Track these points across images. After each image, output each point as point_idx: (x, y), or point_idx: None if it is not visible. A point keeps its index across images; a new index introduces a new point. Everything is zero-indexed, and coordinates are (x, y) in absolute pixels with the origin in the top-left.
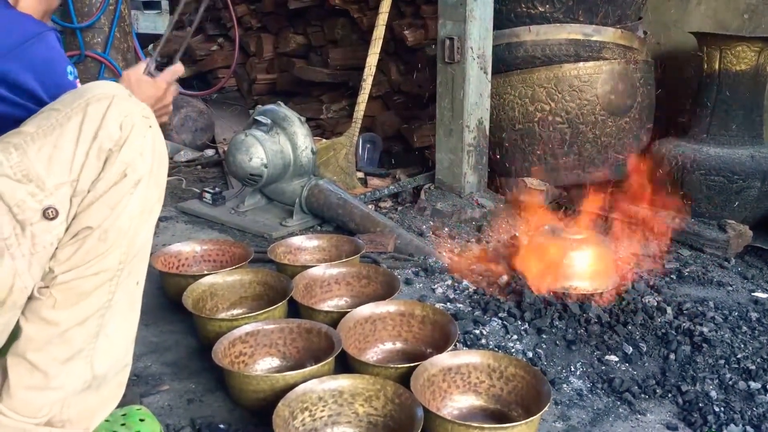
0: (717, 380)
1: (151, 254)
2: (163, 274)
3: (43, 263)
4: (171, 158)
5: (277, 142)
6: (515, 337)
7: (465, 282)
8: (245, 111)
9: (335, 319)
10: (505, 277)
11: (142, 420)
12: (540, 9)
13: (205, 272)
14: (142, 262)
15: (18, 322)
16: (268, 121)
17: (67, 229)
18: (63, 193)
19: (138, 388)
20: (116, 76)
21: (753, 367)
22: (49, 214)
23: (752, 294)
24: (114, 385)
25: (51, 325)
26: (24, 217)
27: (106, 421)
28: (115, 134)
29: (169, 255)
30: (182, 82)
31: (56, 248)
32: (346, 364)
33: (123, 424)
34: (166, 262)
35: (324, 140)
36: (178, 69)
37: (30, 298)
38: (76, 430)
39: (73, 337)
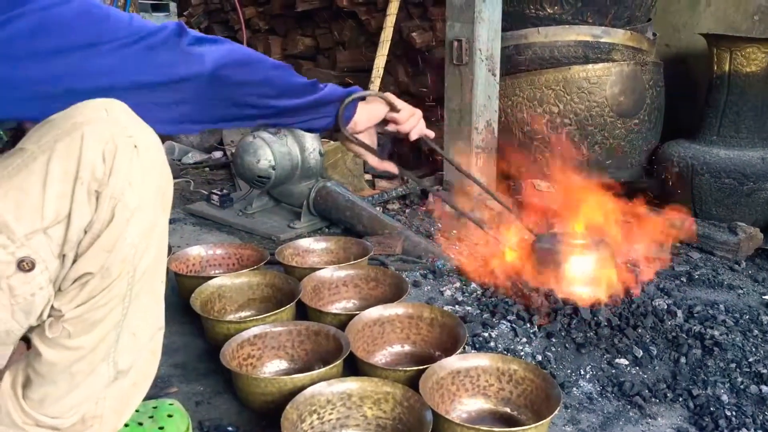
0: (728, 384)
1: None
2: (179, 276)
3: (29, 309)
4: (179, 161)
5: (284, 144)
6: (524, 340)
7: (473, 284)
8: None
9: (343, 321)
10: (513, 280)
11: (170, 416)
12: (549, 11)
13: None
14: (159, 263)
15: (33, 344)
16: None
17: (66, 275)
18: (38, 242)
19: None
20: None
21: (765, 371)
22: (24, 266)
23: (763, 297)
24: (147, 352)
25: (73, 350)
26: None
27: (136, 411)
28: (98, 170)
29: (187, 257)
30: None
31: (59, 290)
32: (354, 367)
33: (151, 417)
34: (181, 265)
35: (332, 142)
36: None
37: (40, 327)
38: (107, 428)
39: (96, 351)
